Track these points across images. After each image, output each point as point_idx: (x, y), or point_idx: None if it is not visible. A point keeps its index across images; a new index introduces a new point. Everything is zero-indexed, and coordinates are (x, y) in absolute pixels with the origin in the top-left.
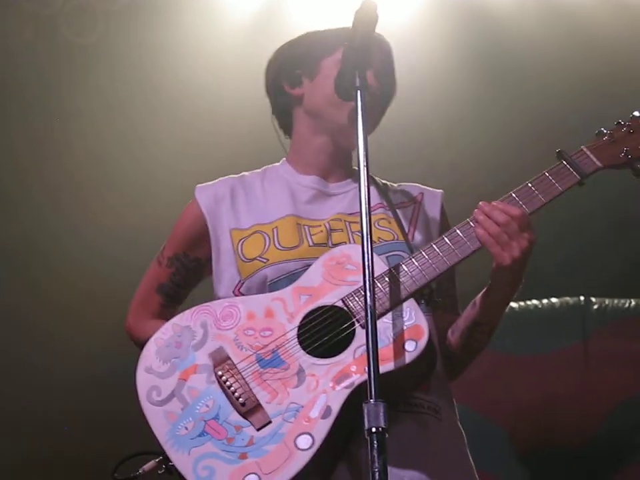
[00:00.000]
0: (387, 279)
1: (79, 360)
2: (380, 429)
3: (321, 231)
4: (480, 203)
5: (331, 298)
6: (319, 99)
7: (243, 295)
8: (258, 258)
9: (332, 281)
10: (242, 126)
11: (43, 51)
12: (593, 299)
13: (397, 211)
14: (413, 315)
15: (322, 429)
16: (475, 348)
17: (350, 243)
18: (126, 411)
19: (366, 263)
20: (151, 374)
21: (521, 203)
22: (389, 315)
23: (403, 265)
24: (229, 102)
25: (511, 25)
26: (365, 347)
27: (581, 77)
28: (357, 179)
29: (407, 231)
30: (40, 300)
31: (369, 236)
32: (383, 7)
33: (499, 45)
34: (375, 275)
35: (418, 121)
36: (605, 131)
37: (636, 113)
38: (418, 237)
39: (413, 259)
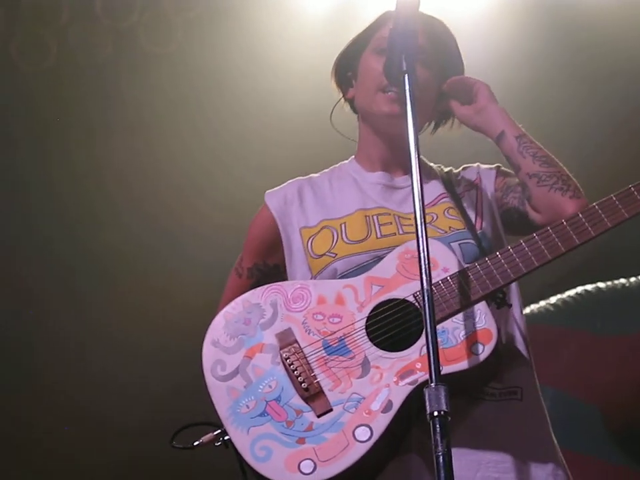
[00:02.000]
0: (460, 278)
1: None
2: (442, 412)
3: (390, 222)
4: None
5: (403, 291)
6: (363, 96)
7: None
8: (327, 253)
9: (405, 274)
10: (320, 130)
11: (124, 63)
12: None
13: (462, 200)
14: (484, 318)
15: (381, 422)
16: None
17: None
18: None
19: (421, 254)
20: (217, 348)
21: (603, 215)
22: (460, 316)
23: (478, 266)
24: (307, 106)
25: (589, 10)
26: None
27: None
28: (426, 171)
29: (473, 219)
30: (127, 312)
31: (423, 227)
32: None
33: (576, 31)
34: (449, 273)
35: None
36: None
37: None
38: (485, 225)
39: (488, 261)
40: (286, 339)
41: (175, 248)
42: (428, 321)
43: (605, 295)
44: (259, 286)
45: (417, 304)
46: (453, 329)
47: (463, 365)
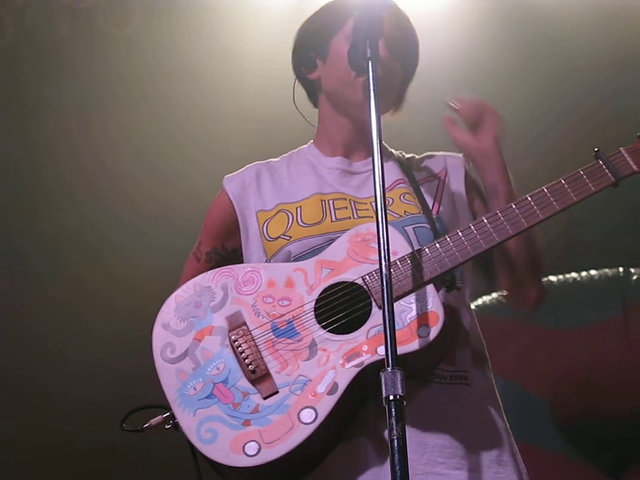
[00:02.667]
0: (409, 261)
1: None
2: (398, 396)
3: (345, 207)
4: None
5: (352, 274)
6: (332, 80)
7: None
8: (281, 236)
9: (355, 257)
10: (276, 119)
11: (80, 43)
12: (632, 270)
13: (420, 187)
14: (431, 301)
15: (327, 404)
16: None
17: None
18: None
19: (381, 240)
20: (168, 330)
21: (552, 199)
22: (407, 299)
23: (427, 249)
24: (264, 95)
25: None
26: (378, 327)
27: (620, 62)
28: (385, 156)
29: (430, 205)
30: (81, 291)
31: (383, 212)
32: None
33: (535, 23)
34: (398, 257)
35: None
36: None
37: None
38: (443, 211)
39: (437, 244)
40: (235, 322)
41: (132, 234)
42: (386, 305)
43: (557, 289)
44: None
45: (365, 287)
46: (400, 312)
47: (410, 347)
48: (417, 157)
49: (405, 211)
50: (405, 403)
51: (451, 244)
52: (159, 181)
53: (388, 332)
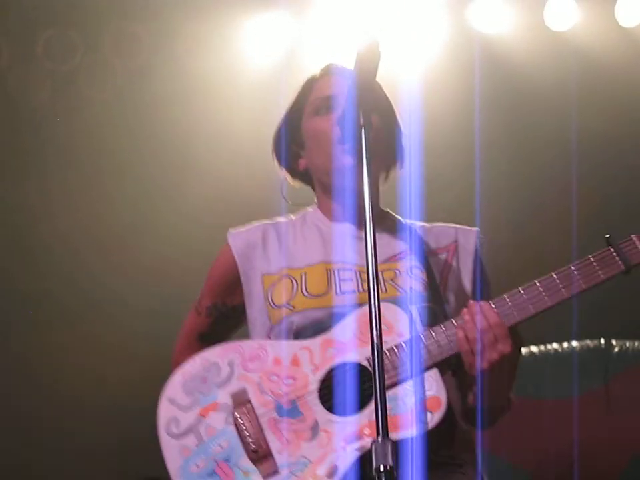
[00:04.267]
0: (412, 345)
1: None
2: (388, 467)
3: (351, 279)
4: (470, 301)
5: (358, 355)
6: (316, 161)
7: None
8: (285, 305)
9: (362, 338)
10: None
11: (61, 106)
12: (614, 342)
13: (429, 258)
14: (434, 386)
15: None
16: (492, 419)
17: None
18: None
19: (373, 313)
20: (173, 405)
21: (561, 285)
22: (411, 383)
23: (432, 332)
24: (247, 154)
25: (520, 61)
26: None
27: (609, 118)
28: (391, 222)
29: (438, 282)
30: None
31: (375, 285)
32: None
33: (517, 89)
34: (404, 339)
35: (440, 169)
36: None
37: None
38: (449, 289)
39: (442, 328)
40: (240, 399)
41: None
42: (377, 376)
43: (538, 360)
44: (217, 325)
45: (369, 368)
46: (403, 396)
47: (411, 432)
48: (427, 225)
49: (411, 287)
50: (395, 474)
51: (448, 331)
52: (146, 249)
53: (379, 402)
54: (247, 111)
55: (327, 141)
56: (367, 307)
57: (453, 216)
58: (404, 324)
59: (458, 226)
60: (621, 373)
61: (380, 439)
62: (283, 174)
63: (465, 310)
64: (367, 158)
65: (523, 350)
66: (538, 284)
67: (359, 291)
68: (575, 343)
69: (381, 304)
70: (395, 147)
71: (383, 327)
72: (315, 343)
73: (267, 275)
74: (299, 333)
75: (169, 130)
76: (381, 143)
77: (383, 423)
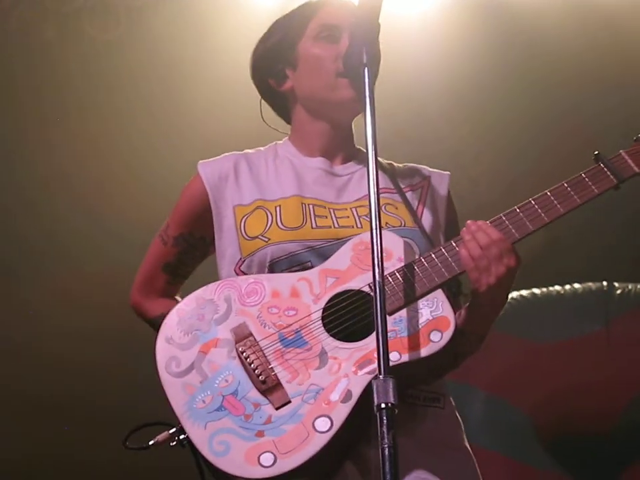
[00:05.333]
0: (415, 267)
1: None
2: (389, 404)
3: (325, 216)
4: (467, 221)
5: (358, 282)
6: (309, 85)
7: (244, 272)
8: (260, 237)
9: (360, 265)
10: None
11: (65, 46)
12: (616, 284)
13: (405, 193)
14: (441, 306)
15: (341, 412)
16: (460, 352)
17: (356, 227)
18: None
19: (374, 244)
20: (171, 344)
21: (556, 202)
22: (417, 305)
23: (433, 254)
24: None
25: (535, 13)
26: (389, 333)
27: (604, 72)
28: (364, 160)
29: (412, 218)
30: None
31: (377, 218)
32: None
33: (521, 34)
34: (404, 264)
35: (442, 113)
36: None
37: None
38: (427, 220)
39: (443, 249)
40: (241, 333)
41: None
42: (378, 313)
43: (540, 302)
44: (183, 255)
45: (372, 294)
46: (410, 318)
47: (422, 352)
48: (399, 165)
49: (387, 223)
50: (396, 411)
51: (446, 254)
52: (143, 185)
53: (380, 340)
54: (247, 50)
55: (327, 69)
56: (361, 236)
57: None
58: (403, 249)
59: (430, 168)
60: (622, 315)
61: (382, 376)
62: (260, 92)
63: (463, 230)
64: (370, 97)
65: (525, 292)
66: (533, 202)
67: (334, 227)
68: (577, 285)
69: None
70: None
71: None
72: (312, 273)
73: (239, 206)
74: (274, 265)
75: (170, 70)
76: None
77: (384, 361)
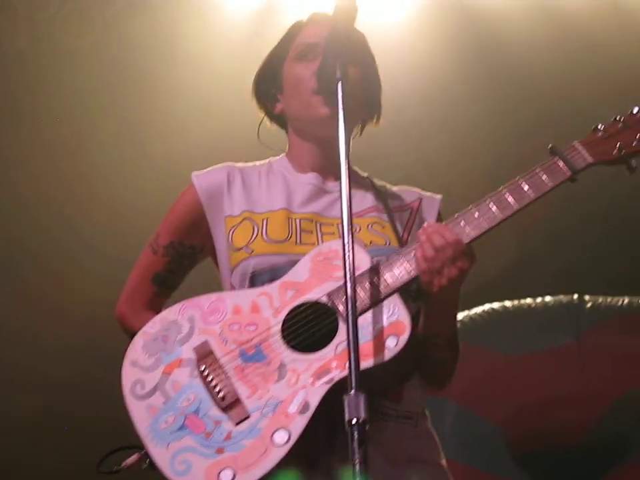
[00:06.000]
0: (370, 275)
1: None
2: (360, 420)
3: (311, 231)
4: (425, 223)
5: (317, 293)
6: (293, 105)
7: (232, 284)
8: (244, 248)
9: (318, 276)
10: (237, 128)
11: (38, 54)
12: (587, 297)
13: (393, 214)
14: (396, 311)
15: (299, 424)
16: (436, 358)
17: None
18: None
19: (346, 255)
20: (136, 367)
21: (510, 198)
22: (371, 312)
23: (388, 259)
24: (226, 103)
25: (507, 25)
26: (346, 342)
27: (577, 77)
28: (357, 177)
29: (397, 240)
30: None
31: (349, 228)
32: (379, 8)
33: (496, 44)
34: (360, 272)
35: (415, 123)
36: (600, 127)
37: (634, 109)
38: (412, 241)
39: (399, 256)
40: (203, 352)
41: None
42: (350, 328)
43: (511, 314)
44: (173, 264)
45: (330, 303)
46: (366, 325)
47: (378, 358)
48: (391, 187)
49: (371, 241)
50: (367, 427)
51: (413, 253)
52: (118, 198)
53: (352, 354)
54: (222, 57)
55: (305, 88)
56: (319, 247)
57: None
58: (360, 257)
59: (423, 191)
60: (593, 328)
61: (353, 392)
62: (261, 114)
63: (419, 232)
64: (342, 112)
65: (497, 304)
66: (488, 200)
67: (318, 243)
68: (548, 298)
69: (335, 241)
70: (372, 101)
71: (338, 262)
72: (272, 287)
73: (229, 217)
74: (255, 277)
75: (145, 80)
76: (358, 96)
77: (355, 376)
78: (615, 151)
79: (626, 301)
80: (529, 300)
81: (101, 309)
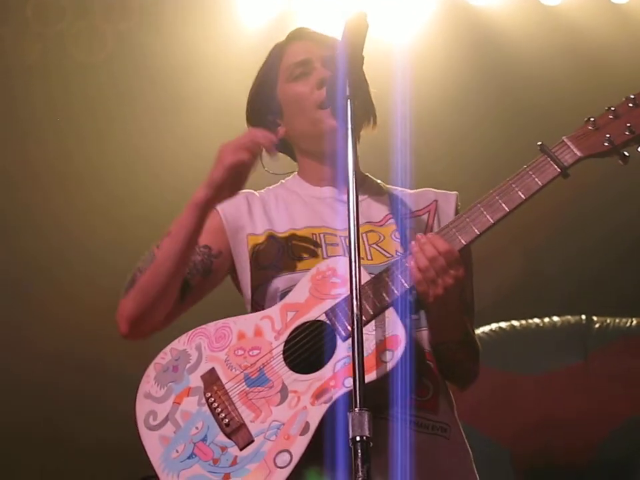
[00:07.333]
0: (366, 289)
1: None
2: (364, 437)
3: (337, 243)
4: (417, 234)
5: (316, 312)
6: (296, 126)
7: (257, 302)
8: (270, 267)
9: (317, 295)
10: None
11: (50, 69)
12: (595, 318)
13: (411, 220)
14: (392, 325)
15: (300, 445)
16: (453, 359)
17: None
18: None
19: (354, 272)
20: (149, 399)
21: (500, 201)
22: (370, 326)
23: (383, 273)
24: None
25: (511, 37)
26: (344, 360)
27: (583, 96)
28: (372, 187)
29: None
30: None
31: (356, 244)
32: (384, 22)
33: (501, 57)
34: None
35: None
36: (591, 119)
37: (624, 99)
38: None
39: (393, 268)
40: (209, 379)
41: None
42: (356, 347)
43: (519, 334)
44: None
45: (328, 322)
46: (363, 341)
47: (376, 373)
48: (408, 191)
49: (397, 250)
50: (371, 444)
51: (407, 265)
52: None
53: (357, 373)
54: (233, 70)
55: (309, 105)
56: (318, 266)
57: (440, 185)
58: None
59: (437, 190)
60: (600, 349)
61: (357, 409)
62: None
63: (412, 243)
64: (351, 129)
65: (504, 324)
66: (479, 204)
67: (345, 254)
68: (555, 318)
69: (333, 258)
70: (366, 106)
71: (335, 279)
72: (274, 310)
73: (252, 235)
74: (285, 295)
75: (158, 95)
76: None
77: (359, 393)
78: (606, 143)
79: (634, 322)
80: (537, 320)
81: (102, 319)
